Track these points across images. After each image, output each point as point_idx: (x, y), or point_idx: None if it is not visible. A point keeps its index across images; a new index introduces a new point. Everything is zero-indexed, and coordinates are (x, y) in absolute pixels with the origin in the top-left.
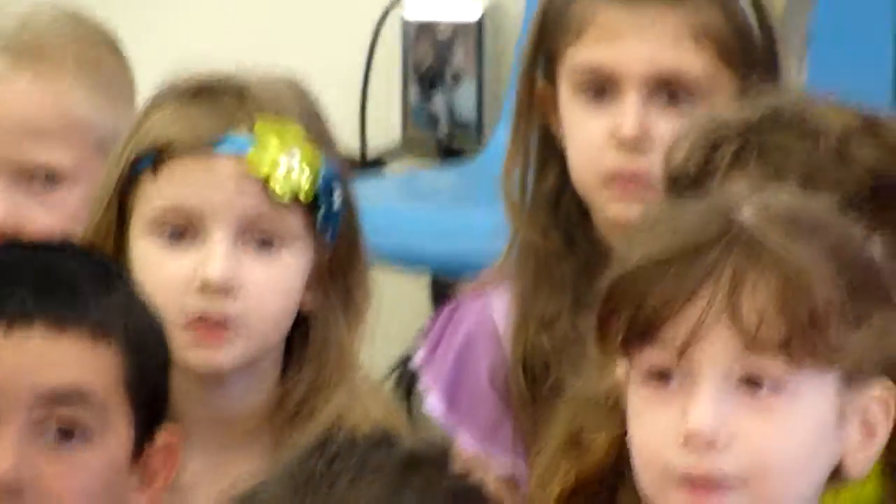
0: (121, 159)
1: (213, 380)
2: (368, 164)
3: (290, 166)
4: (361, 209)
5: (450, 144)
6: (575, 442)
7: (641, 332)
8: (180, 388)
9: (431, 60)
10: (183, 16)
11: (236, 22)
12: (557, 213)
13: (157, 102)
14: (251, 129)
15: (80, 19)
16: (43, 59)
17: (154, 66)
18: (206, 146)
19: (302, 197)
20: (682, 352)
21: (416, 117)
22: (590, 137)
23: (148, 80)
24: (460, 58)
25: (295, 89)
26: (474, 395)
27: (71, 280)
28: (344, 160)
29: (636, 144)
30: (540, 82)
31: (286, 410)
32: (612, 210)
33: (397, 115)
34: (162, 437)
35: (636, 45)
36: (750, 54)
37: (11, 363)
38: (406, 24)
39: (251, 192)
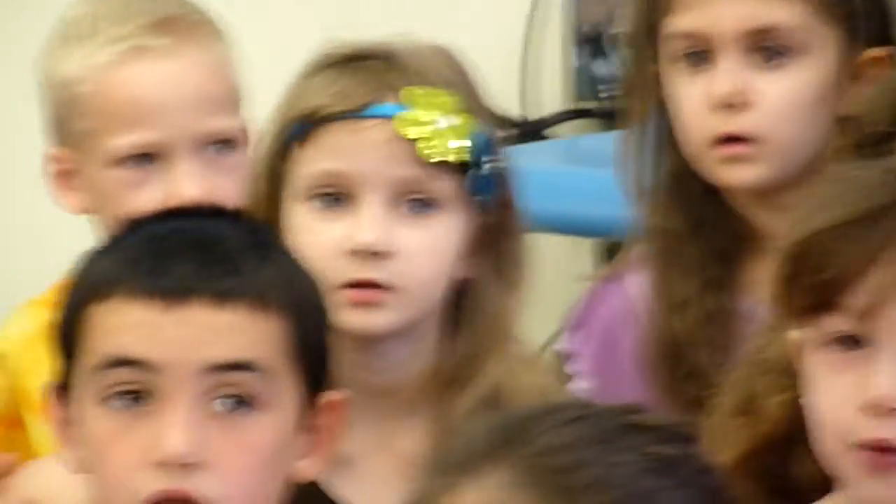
0: (273, 129)
1: (373, 346)
2: (530, 129)
3: (438, 129)
4: (523, 174)
5: (613, 109)
6: (748, 407)
7: (823, 298)
8: (341, 358)
9: (594, 21)
10: None
11: None
12: (681, 193)
13: (308, 72)
14: (399, 95)
15: None
16: (199, 31)
17: (309, 35)
18: (354, 112)
19: (452, 158)
20: (864, 317)
21: (579, 82)
22: (690, 104)
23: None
24: (623, 19)
25: (444, 56)
26: (620, 377)
27: (229, 252)
28: (496, 127)
29: (732, 103)
30: (651, 62)
31: (443, 379)
32: (722, 175)
33: (559, 81)
34: (327, 397)
35: (724, 6)
36: (850, 5)
37: (174, 339)
38: None
39: (401, 155)
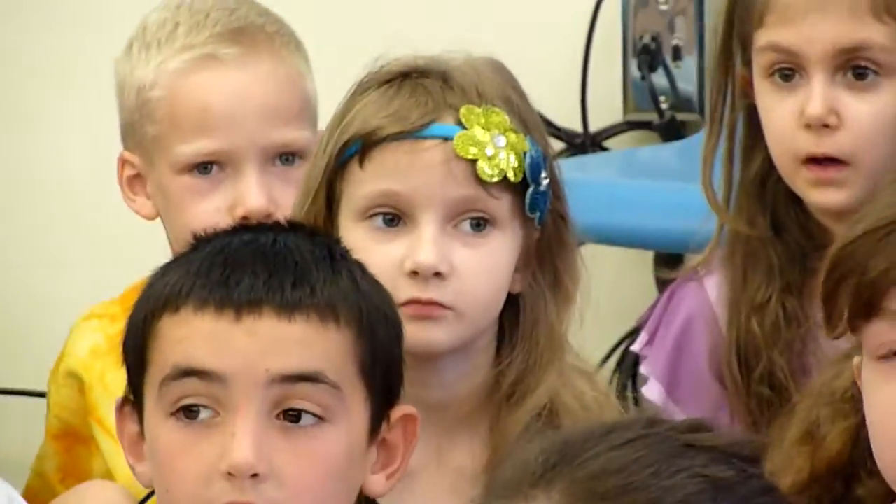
0: (327, 148)
1: (430, 363)
2: (589, 141)
3: (496, 148)
4: (583, 186)
5: (671, 121)
6: (810, 436)
7: (867, 302)
8: None
9: (653, 34)
10: None
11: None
12: (764, 198)
13: (361, 89)
14: (456, 115)
15: (256, 4)
16: (274, 42)
17: (364, 48)
18: (412, 133)
19: (511, 177)
20: None
21: (637, 94)
22: (781, 121)
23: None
24: (681, 31)
25: (499, 71)
26: (694, 380)
27: (298, 264)
28: (546, 141)
29: (824, 124)
30: (740, 67)
31: (500, 394)
32: (811, 195)
33: (618, 92)
34: (398, 412)
35: (816, 25)
36: None
37: (243, 349)
38: None
39: (459, 175)
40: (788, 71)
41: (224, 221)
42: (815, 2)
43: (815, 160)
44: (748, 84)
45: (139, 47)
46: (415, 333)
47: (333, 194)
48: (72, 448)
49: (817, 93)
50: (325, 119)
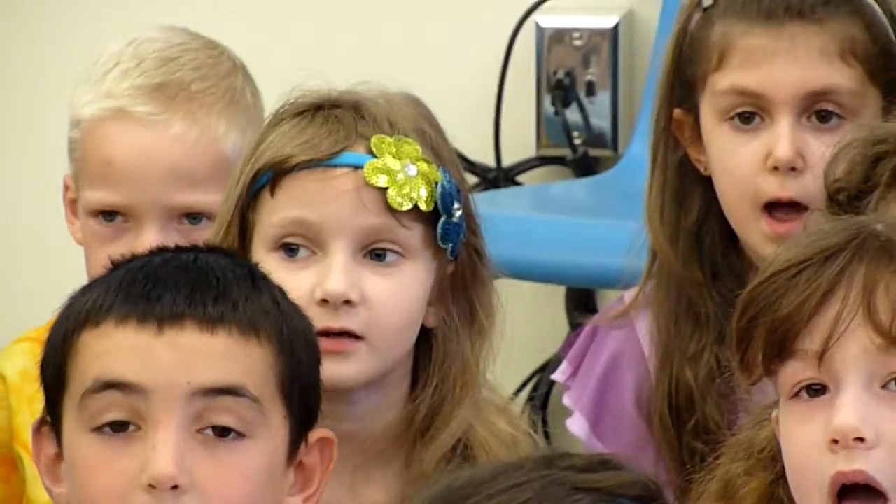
0: (240, 178)
1: (342, 396)
2: (502, 176)
3: (406, 177)
4: (495, 220)
5: (585, 157)
6: (727, 491)
7: (780, 342)
8: None
9: (566, 69)
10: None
11: (368, 31)
12: (701, 245)
13: (275, 121)
14: (367, 144)
15: (212, 48)
16: (194, 103)
17: (282, 80)
18: (323, 161)
19: (423, 206)
20: (821, 356)
21: (550, 129)
22: (742, 164)
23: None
24: (595, 67)
25: (413, 104)
26: (619, 417)
27: (220, 280)
28: (461, 175)
29: (792, 167)
30: (677, 111)
31: (414, 429)
32: (766, 249)
33: (532, 127)
34: (316, 434)
35: (784, 67)
36: (893, 69)
37: (166, 362)
38: (540, 31)
39: (369, 204)
40: (749, 114)
41: None
42: (783, 45)
43: (772, 207)
44: (685, 128)
45: (84, 78)
46: (326, 369)
47: (246, 225)
48: (10, 477)
49: (785, 135)
50: None
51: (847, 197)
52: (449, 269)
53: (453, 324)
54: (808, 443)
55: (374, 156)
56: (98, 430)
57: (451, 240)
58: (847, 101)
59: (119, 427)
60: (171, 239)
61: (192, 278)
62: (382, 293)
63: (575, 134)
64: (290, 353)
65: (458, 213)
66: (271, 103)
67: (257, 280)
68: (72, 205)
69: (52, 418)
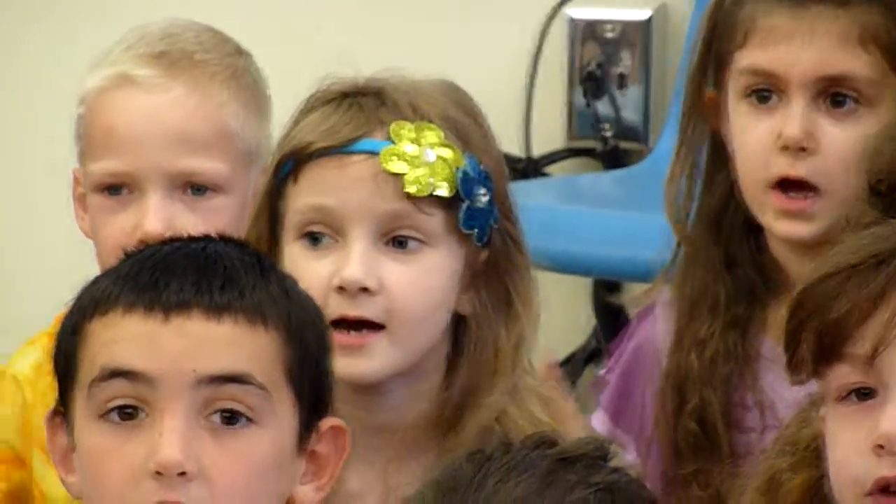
0: (270, 167)
1: (374, 388)
2: (532, 167)
3: (424, 163)
4: (524, 211)
5: (615, 149)
6: (771, 486)
7: (830, 345)
8: (342, 397)
9: (598, 61)
10: (337, 15)
11: (400, 21)
12: (720, 229)
13: (304, 108)
14: (387, 130)
15: (217, 33)
16: (196, 70)
17: (314, 68)
18: (341, 148)
19: (438, 192)
20: (871, 361)
21: (581, 121)
22: (756, 141)
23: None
24: (627, 60)
25: (445, 90)
26: (638, 411)
27: (227, 268)
28: (495, 161)
29: (801, 147)
30: (708, 89)
31: (445, 417)
32: (778, 227)
33: (562, 119)
34: (327, 423)
35: (802, 49)
36: None
37: (172, 350)
38: (573, 23)
39: (386, 190)
40: (766, 92)
41: (130, 243)
42: (803, 26)
43: (784, 186)
44: (716, 107)
45: (91, 63)
46: (346, 367)
47: (275, 214)
48: (11, 475)
49: (796, 115)
50: None
51: (888, 188)
52: (482, 255)
53: (487, 311)
54: (852, 446)
55: (393, 142)
56: (106, 418)
57: (475, 226)
58: (863, 87)
59: (126, 415)
60: (176, 209)
61: (200, 266)
62: (402, 281)
63: (605, 126)
64: (298, 341)
65: (484, 199)
66: (302, 96)
67: (265, 268)
68: (81, 200)
69: (64, 408)
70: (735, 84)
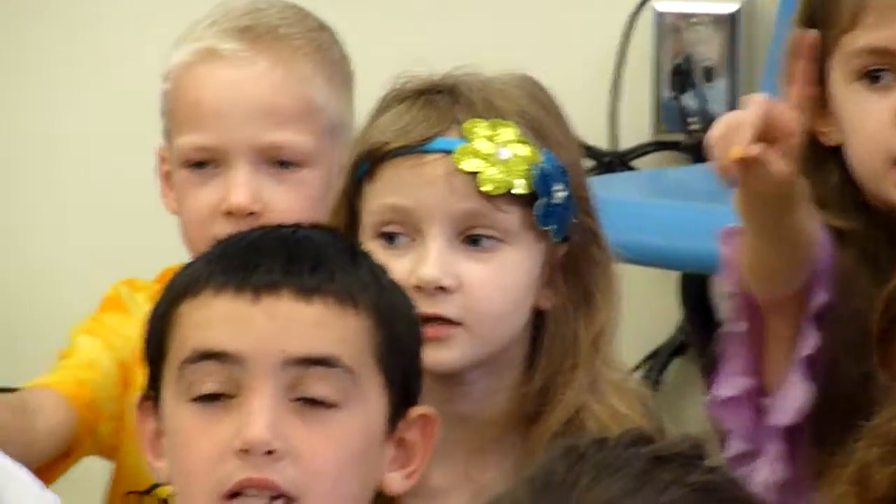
0: (348, 165)
1: (454, 378)
2: (618, 160)
3: (499, 161)
4: (609, 205)
5: (701, 143)
6: (862, 476)
7: None
8: (424, 389)
9: (685, 54)
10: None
11: (485, 17)
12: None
13: (381, 106)
14: (460, 129)
15: (300, 9)
16: (281, 44)
17: (395, 64)
18: (415, 147)
19: (520, 189)
20: None
21: (667, 114)
22: (875, 121)
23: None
24: (714, 52)
25: (521, 86)
26: None
27: (317, 252)
28: (573, 155)
29: None
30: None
31: (528, 411)
32: None
33: (649, 112)
34: (417, 411)
35: None
36: None
37: (261, 330)
38: (659, 16)
39: (461, 189)
40: (878, 73)
41: (215, 217)
42: None
43: None
44: (812, 102)
45: (177, 41)
46: (427, 357)
47: (353, 213)
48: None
49: None
50: None
51: None
52: (561, 251)
53: (566, 306)
54: None
55: (467, 140)
56: (196, 399)
57: (553, 222)
58: None
59: (216, 396)
60: (262, 182)
61: (290, 249)
62: (479, 279)
63: (691, 119)
64: (388, 326)
65: (562, 195)
66: (379, 94)
67: (357, 254)
68: (166, 178)
69: (154, 392)
70: (845, 67)
